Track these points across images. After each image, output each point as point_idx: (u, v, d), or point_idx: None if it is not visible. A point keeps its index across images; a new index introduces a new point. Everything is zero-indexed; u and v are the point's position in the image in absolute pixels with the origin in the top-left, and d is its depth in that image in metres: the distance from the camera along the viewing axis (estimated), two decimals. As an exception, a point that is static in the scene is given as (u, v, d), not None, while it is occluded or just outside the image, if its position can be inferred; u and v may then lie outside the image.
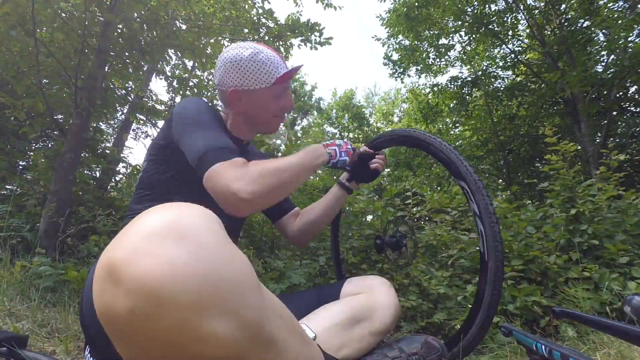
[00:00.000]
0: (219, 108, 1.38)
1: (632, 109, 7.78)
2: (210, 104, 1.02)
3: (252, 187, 0.79)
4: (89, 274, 0.72)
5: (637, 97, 7.33)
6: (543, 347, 0.81)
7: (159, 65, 4.18)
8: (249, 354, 0.47)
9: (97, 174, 4.23)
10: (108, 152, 3.83)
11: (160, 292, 0.42)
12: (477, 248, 2.27)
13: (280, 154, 3.02)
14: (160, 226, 0.46)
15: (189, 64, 5.84)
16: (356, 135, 17.43)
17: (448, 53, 9.45)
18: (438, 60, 9.66)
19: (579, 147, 6.52)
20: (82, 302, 0.70)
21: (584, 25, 7.14)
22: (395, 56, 9.95)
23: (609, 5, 6.15)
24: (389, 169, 12.92)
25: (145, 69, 4.44)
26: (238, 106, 1.05)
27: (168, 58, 4.49)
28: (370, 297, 0.97)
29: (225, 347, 0.44)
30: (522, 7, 7.77)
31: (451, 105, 10.21)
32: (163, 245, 0.44)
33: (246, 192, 0.78)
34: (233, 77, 1.01)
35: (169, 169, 0.97)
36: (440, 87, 9.84)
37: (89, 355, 0.72)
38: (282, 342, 0.55)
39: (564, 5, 7.29)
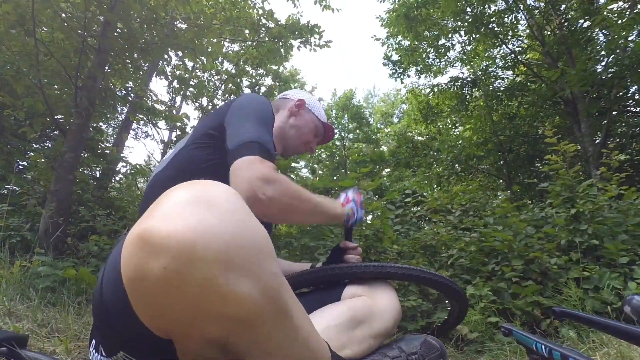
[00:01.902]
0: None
1: (632, 109, 7.77)
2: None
3: (273, 193, 0.80)
4: (113, 251, 0.69)
5: (637, 97, 7.32)
6: (543, 347, 0.81)
7: (159, 66, 4.18)
8: (266, 318, 0.49)
9: (97, 173, 4.23)
10: (108, 152, 3.83)
11: (190, 249, 0.44)
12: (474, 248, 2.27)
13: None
14: (189, 196, 0.50)
15: (189, 64, 5.84)
16: (356, 136, 17.42)
17: (448, 53, 9.45)
18: (438, 60, 9.66)
19: (579, 147, 6.51)
20: (103, 278, 0.66)
21: (584, 25, 7.13)
22: (394, 57, 9.95)
23: (609, 6, 6.14)
24: (388, 170, 12.93)
25: (145, 67, 4.44)
26: (294, 113, 1.25)
27: (168, 58, 4.49)
28: (371, 299, 0.96)
29: (246, 308, 0.46)
30: (522, 7, 7.77)
31: (451, 105, 10.19)
32: (193, 210, 0.47)
33: (265, 194, 0.79)
34: (304, 96, 1.29)
35: (216, 156, 0.95)
36: (440, 87, 9.83)
37: (94, 351, 0.72)
38: (296, 317, 0.57)
39: (564, 6, 7.28)
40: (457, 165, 9.56)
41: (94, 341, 0.73)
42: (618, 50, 6.20)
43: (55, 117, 3.24)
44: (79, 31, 3.01)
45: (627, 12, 6.00)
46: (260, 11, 4.89)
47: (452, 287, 1.05)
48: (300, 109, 1.25)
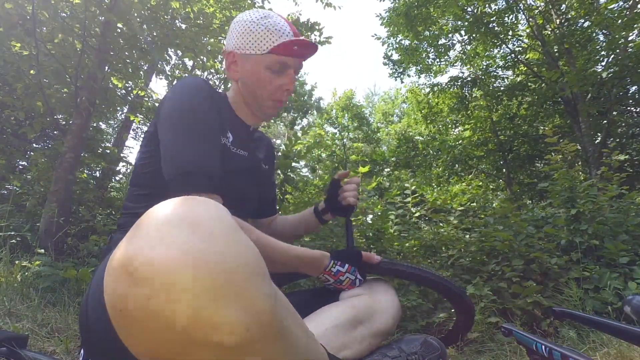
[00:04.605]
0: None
1: (632, 109, 7.78)
2: (211, 87, 0.92)
3: None
4: (96, 273, 0.70)
5: (637, 97, 7.32)
6: (543, 347, 0.81)
7: (159, 65, 4.18)
8: (260, 342, 0.47)
9: (97, 173, 4.23)
10: (108, 152, 3.83)
11: (175, 279, 0.42)
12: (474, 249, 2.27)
13: (280, 154, 3.02)
14: (172, 217, 0.47)
15: (189, 63, 5.85)
16: (356, 135, 17.42)
17: (448, 53, 9.45)
18: (438, 60, 9.66)
19: (579, 147, 6.52)
20: (87, 301, 0.68)
21: (584, 25, 7.14)
22: (395, 56, 9.97)
23: (609, 7, 6.15)
24: (388, 169, 12.93)
25: (145, 68, 4.44)
26: (233, 73, 0.96)
27: (168, 58, 4.49)
28: (371, 298, 0.96)
29: (237, 335, 0.44)
30: (522, 7, 7.77)
31: (451, 105, 10.20)
32: (176, 234, 0.45)
33: None
34: (234, 38, 0.93)
35: (157, 160, 0.86)
36: (440, 87, 9.84)
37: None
38: (291, 333, 0.55)
39: (564, 5, 7.28)
40: (457, 165, 9.57)
41: (82, 351, 0.73)
42: (618, 50, 6.20)
43: (55, 117, 3.24)
44: (79, 31, 3.01)
45: (627, 12, 6.00)
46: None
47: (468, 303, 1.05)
48: (236, 64, 0.95)
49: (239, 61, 0.94)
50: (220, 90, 1.12)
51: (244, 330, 0.44)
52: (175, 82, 4.64)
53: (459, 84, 9.59)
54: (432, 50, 9.45)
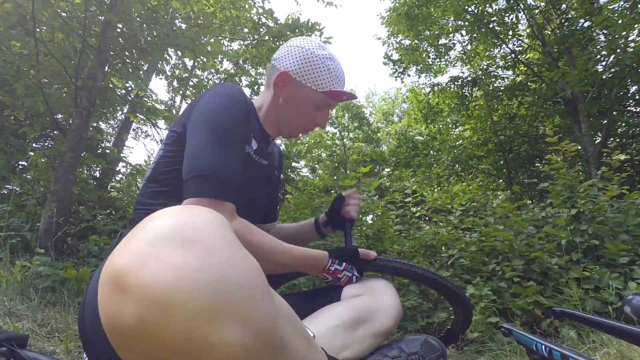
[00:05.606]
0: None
1: (632, 109, 7.77)
2: (245, 96, 0.94)
3: None
4: (92, 279, 0.70)
5: (637, 97, 7.32)
6: (543, 347, 0.81)
7: (159, 65, 4.18)
8: (260, 359, 0.46)
9: (97, 173, 4.24)
10: (108, 152, 3.83)
11: (169, 300, 0.40)
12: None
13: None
14: (166, 231, 0.44)
15: (189, 63, 5.85)
16: (356, 135, 17.43)
17: (448, 53, 9.46)
18: (438, 60, 9.67)
19: (579, 147, 6.52)
20: (84, 308, 0.68)
21: (585, 25, 7.14)
22: (395, 56, 9.97)
23: (609, 6, 6.14)
24: (389, 169, 12.93)
25: (145, 68, 4.44)
26: (279, 91, 1.00)
27: (168, 58, 4.49)
28: (372, 298, 0.96)
29: (236, 355, 0.42)
30: (522, 7, 7.77)
31: (451, 105, 10.21)
32: (170, 250, 0.43)
33: None
34: (293, 62, 0.98)
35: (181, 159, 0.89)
36: (440, 86, 9.84)
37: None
38: (291, 346, 0.54)
39: (564, 5, 7.28)
40: (457, 165, 9.57)
41: (85, 357, 0.74)
42: (619, 50, 6.20)
43: (55, 117, 3.24)
44: (79, 31, 3.00)
45: (628, 12, 6.00)
46: (260, 10, 4.89)
47: (464, 299, 1.06)
48: (286, 85, 0.99)
49: (291, 85, 0.99)
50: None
51: (243, 350, 0.43)
52: (175, 81, 4.65)
53: (459, 83, 9.60)
54: (433, 50, 9.45)
